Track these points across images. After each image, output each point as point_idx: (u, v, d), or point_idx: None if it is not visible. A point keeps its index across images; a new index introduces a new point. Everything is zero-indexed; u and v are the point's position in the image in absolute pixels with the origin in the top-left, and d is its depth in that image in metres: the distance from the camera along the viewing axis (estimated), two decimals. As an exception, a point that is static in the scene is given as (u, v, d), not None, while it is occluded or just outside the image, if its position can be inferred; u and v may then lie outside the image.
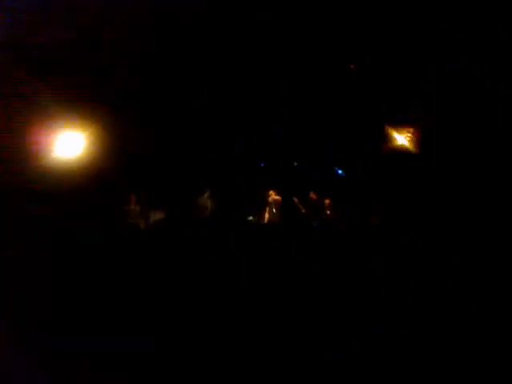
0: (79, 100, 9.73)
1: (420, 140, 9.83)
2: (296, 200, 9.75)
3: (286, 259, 6.69)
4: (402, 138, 10.01)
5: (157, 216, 9.60)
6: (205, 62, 9.85)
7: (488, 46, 8.14)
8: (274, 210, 9.62)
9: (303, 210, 9.69)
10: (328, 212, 9.94)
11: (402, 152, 10.04)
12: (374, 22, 8.80)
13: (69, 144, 10.19)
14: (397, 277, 5.91)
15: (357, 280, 5.89)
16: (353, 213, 9.52)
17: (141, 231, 9.14)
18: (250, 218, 9.79)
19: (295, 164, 11.97)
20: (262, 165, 12.11)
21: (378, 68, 9.93)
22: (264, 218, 9.75)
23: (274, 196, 9.77)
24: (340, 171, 11.43)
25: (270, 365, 3.84)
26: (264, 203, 9.91)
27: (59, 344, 4.20)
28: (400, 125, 10.07)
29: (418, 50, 9.16)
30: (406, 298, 5.25)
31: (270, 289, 5.71)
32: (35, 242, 6.99)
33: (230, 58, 9.82)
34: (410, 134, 9.95)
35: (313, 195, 10.21)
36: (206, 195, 10.04)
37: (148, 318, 4.80)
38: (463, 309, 4.89)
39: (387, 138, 10.22)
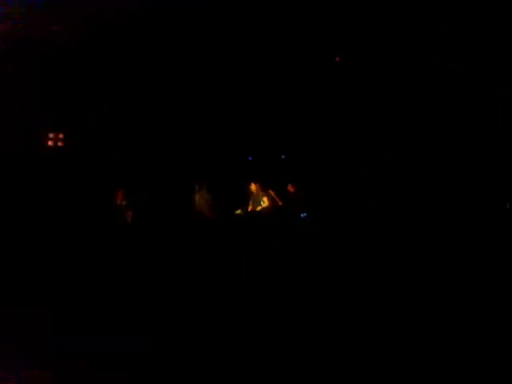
0: (74, 96, 9.76)
1: (418, 140, 9.83)
2: (272, 192, 9.71)
3: (280, 255, 6.70)
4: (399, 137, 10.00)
5: (147, 211, 9.59)
6: (196, 60, 9.85)
7: (488, 46, 8.14)
8: (263, 204, 9.58)
9: (280, 203, 9.65)
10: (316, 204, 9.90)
11: (401, 151, 10.02)
12: (373, 22, 8.79)
13: (59, 140, 10.23)
14: (397, 277, 5.91)
15: (356, 279, 5.89)
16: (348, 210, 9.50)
17: (135, 228, 9.12)
18: (238, 211, 9.74)
19: (283, 157, 11.99)
20: (250, 159, 12.15)
21: (377, 67, 9.92)
22: (252, 210, 9.69)
23: (256, 189, 9.69)
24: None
25: (269, 364, 3.85)
26: (248, 196, 9.86)
27: (59, 344, 4.20)
28: (397, 124, 10.07)
29: (418, 50, 9.15)
30: (406, 298, 5.25)
31: (266, 287, 5.72)
32: (33, 238, 7.00)
33: (225, 56, 9.83)
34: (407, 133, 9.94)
35: (291, 188, 10.18)
36: (197, 190, 10.01)
37: (147, 318, 4.81)
38: (463, 309, 4.89)
39: (386, 137, 10.20)
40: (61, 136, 10.34)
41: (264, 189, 9.70)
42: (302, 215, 9.62)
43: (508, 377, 3.58)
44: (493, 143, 8.97)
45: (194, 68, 10.07)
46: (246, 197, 9.91)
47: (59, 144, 10.32)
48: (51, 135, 10.26)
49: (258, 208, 9.54)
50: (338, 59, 10.07)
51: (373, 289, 5.60)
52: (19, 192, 8.78)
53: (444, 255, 6.49)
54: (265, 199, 9.53)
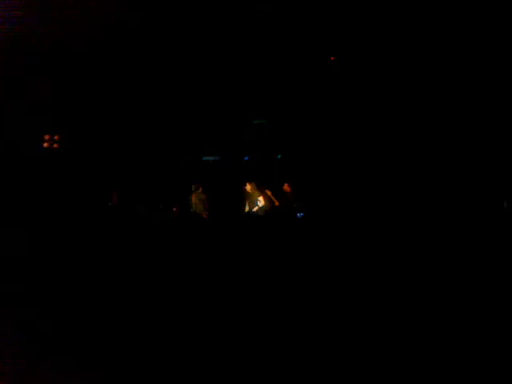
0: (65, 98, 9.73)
1: (416, 139, 9.84)
2: (269, 192, 9.72)
3: (277, 254, 6.70)
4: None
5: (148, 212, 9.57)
6: (193, 60, 9.85)
7: (488, 46, 8.14)
8: (259, 204, 9.59)
9: (276, 203, 9.66)
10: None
11: (399, 150, 10.03)
12: (373, 22, 8.78)
13: (53, 141, 10.19)
14: (396, 276, 5.91)
15: (355, 278, 5.90)
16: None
17: (132, 227, 9.08)
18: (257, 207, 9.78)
19: (278, 157, 12.00)
20: (247, 158, 12.14)
21: (375, 67, 9.92)
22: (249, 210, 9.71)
23: (252, 189, 9.70)
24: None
25: (268, 364, 3.84)
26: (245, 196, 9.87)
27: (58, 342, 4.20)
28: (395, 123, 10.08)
29: (416, 49, 9.16)
30: (405, 297, 5.26)
31: (265, 287, 5.72)
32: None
33: (222, 55, 9.82)
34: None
35: (287, 187, 10.16)
36: (197, 191, 10.00)
37: (146, 318, 4.81)
38: (463, 308, 4.90)
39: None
40: (57, 138, 10.32)
41: (260, 189, 9.71)
42: (298, 215, 9.62)
43: (508, 377, 3.58)
44: (491, 142, 8.99)
45: (192, 69, 10.07)
46: (242, 197, 9.92)
47: (56, 145, 10.29)
48: (47, 137, 10.24)
49: (255, 208, 9.56)
50: (333, 58, 10.08)
51: (372, 288, 5.60)
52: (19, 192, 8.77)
53: (443, 253, 6.50)
54: (261, 199, 9.54)
